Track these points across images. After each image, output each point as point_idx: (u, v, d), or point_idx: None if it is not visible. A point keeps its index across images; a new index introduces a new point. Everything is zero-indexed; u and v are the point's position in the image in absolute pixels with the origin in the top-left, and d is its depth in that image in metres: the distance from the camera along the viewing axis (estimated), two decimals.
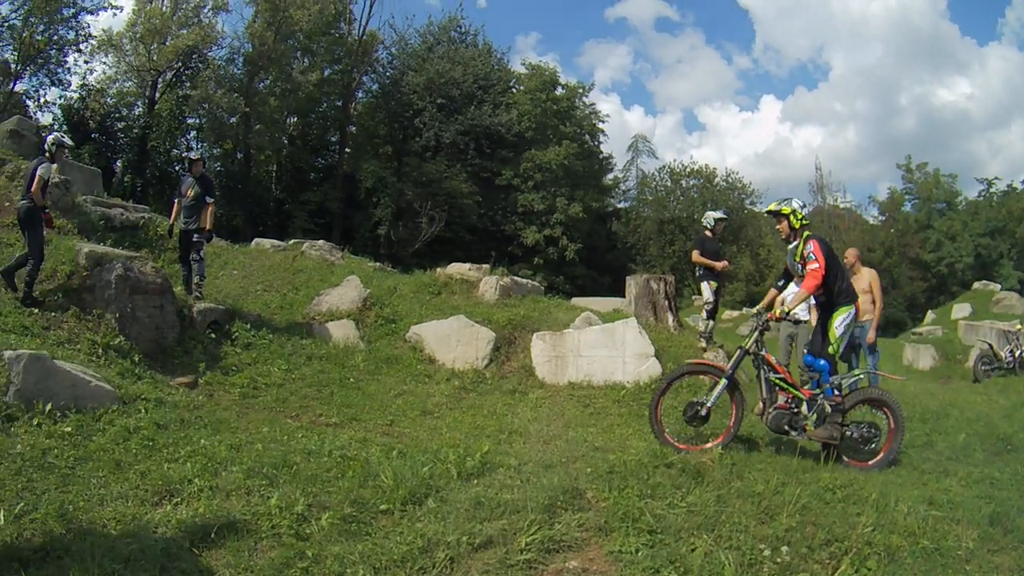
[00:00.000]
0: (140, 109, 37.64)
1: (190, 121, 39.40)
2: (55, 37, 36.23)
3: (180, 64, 37.00)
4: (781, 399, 7.58)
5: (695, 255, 12.39)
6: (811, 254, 7.41)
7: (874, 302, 11.46)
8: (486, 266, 14.82)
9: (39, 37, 35.40)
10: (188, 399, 8.60)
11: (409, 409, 9.70)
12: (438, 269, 15.03)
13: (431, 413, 9.64)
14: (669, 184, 52.58)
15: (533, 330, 12.09)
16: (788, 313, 7.66)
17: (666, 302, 13.30)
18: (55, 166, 10.75)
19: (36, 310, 9.60)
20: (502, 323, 12.31)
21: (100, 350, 9.25)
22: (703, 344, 12.12)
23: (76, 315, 9.82)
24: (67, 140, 11.13)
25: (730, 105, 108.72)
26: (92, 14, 36.80)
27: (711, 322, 12.40)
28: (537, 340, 11.74)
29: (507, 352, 11.93)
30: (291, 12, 36.11)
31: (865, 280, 11.43)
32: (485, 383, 11.15)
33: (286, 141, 42.51)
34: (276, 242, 17.77)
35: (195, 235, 12.18)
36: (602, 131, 50.15)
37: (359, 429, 8.47)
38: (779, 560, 4.62)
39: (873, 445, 7.56)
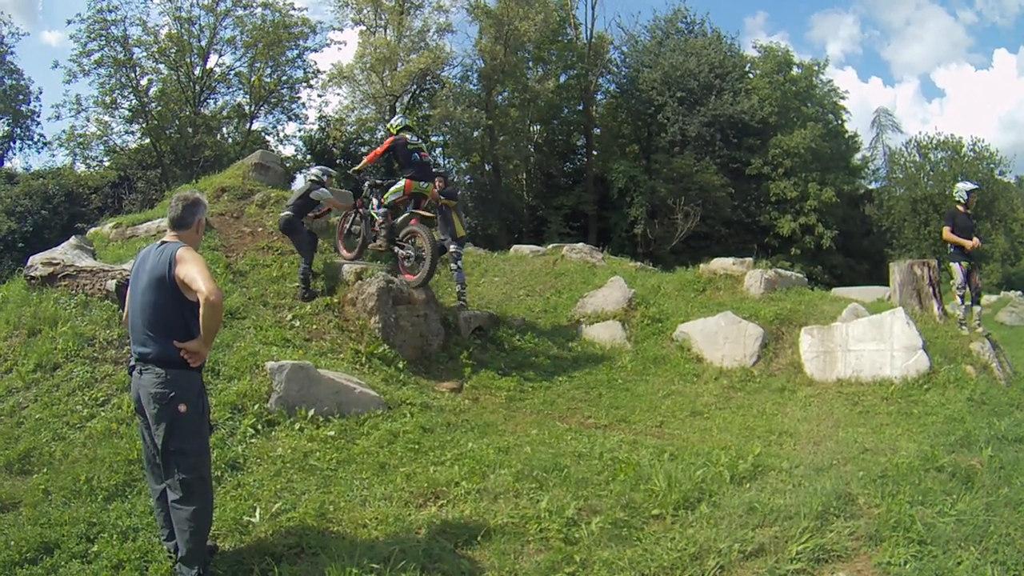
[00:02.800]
0: (382, 133, 39.53)
1: (434, 139, 41.29)
2: (284, 78, 40.03)
3: (415, 87, 38.96)
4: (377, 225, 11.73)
5: (946, 232, 11.79)
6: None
7: None
8: (749, 259, 14.34)
9: (268, 80, 38.99)
10: (454, 403, 8.77)
11: (678, 410, 9.49)
12: (701, 265, 14.73)
13: (700, 414, 9.37)
14: (918, 159, 48.32)
15: (800, 324, 11.59)
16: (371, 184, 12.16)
17: (930, 289, 12.52)
18: (326, 192, 11.83)
19: (297, 323, 10.21)
20: (769, 318, 11.85)
21: (363, 359, 9.66)
22: (965, 331, 11.33)
23: (338, 326, 10.35)
24: (331, 170, 12.55)
25: (964, 65, 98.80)
26: (316, 52, 40.10)
27: (974, 307, 11.80)
28: (805, 335, 11.24)
29: (775, 348, 11.47)
30: (516, 24, 36.81)
31: None
32: (753, 381, 10.76)
33: (532, 149, 43.41)
34: (535, 247, 18.05)
35: (452, 245, 12.60)
36: (844, 108, 47.27)
37: (628, 431, 8.35)
38: None
39: (418, 265, 11.34)
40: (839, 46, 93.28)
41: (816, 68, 45.57)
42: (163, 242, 4.76)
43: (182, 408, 4.47)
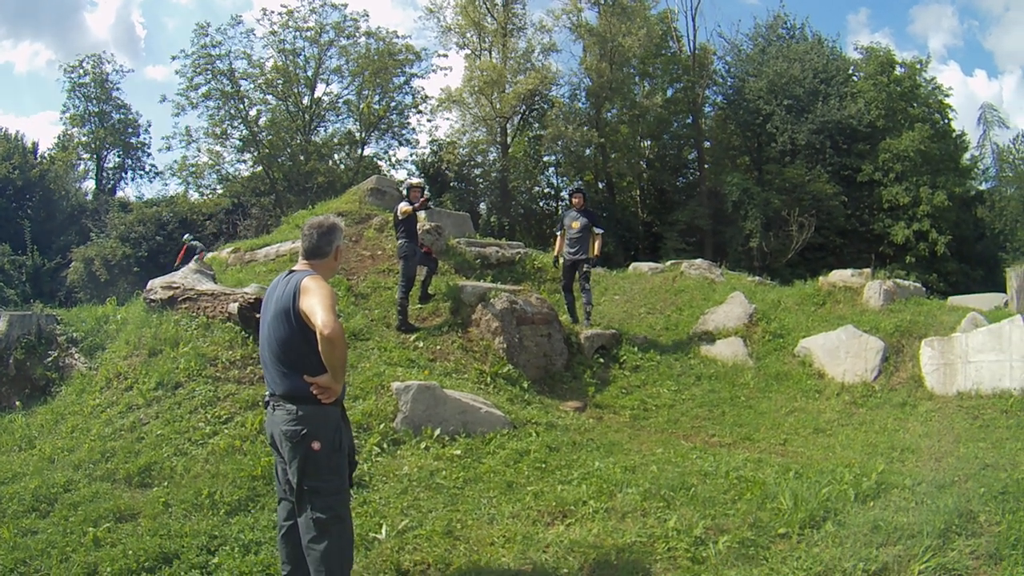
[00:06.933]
0: (494, 154, 40.63)
1: (547, 159, 41.91)
2: (392, 104, 41.00)
3: (524, 108, 39.37)
4: None
5: None
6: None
7: None
8: (867, 271, 14.11)
9: (377, 106, 40.05)
10: (578, 422, 8.85)
11: (801, 427, 9.51)
12: (820, 278, 14.56)
13: (823, 431, 9.39)
14: None
15: (920, 336, 11.40)
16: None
17: None
18: (404, 205, 11.48)
19: (421, 344, 10.49)
20: (889, 331, 11.67)
21: (488, 378, 9.90)
22: None
23: (462, 347, 10.63)
24: (412, 180, 12.48)
25: None
26: (422, 78, 41.39)
27: None
28: (926, 347, 11.06)
29: (895, 362, 11.27)
30: (619, 41, 36.90)
31: None
32: (875, 396, 10.65)
33: (644, 165, 43.47)
34: (653, 264, 18.28)
35: (584, 264, 12.74)
36: (949, 106, 44.80)
37: (753, 449, 8.37)
38: None
39: None
40: (941, 39, 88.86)
41: (918, 66, 43.85)
42: (291, 271, 4.60)
43: (315, 446, 4.27)
